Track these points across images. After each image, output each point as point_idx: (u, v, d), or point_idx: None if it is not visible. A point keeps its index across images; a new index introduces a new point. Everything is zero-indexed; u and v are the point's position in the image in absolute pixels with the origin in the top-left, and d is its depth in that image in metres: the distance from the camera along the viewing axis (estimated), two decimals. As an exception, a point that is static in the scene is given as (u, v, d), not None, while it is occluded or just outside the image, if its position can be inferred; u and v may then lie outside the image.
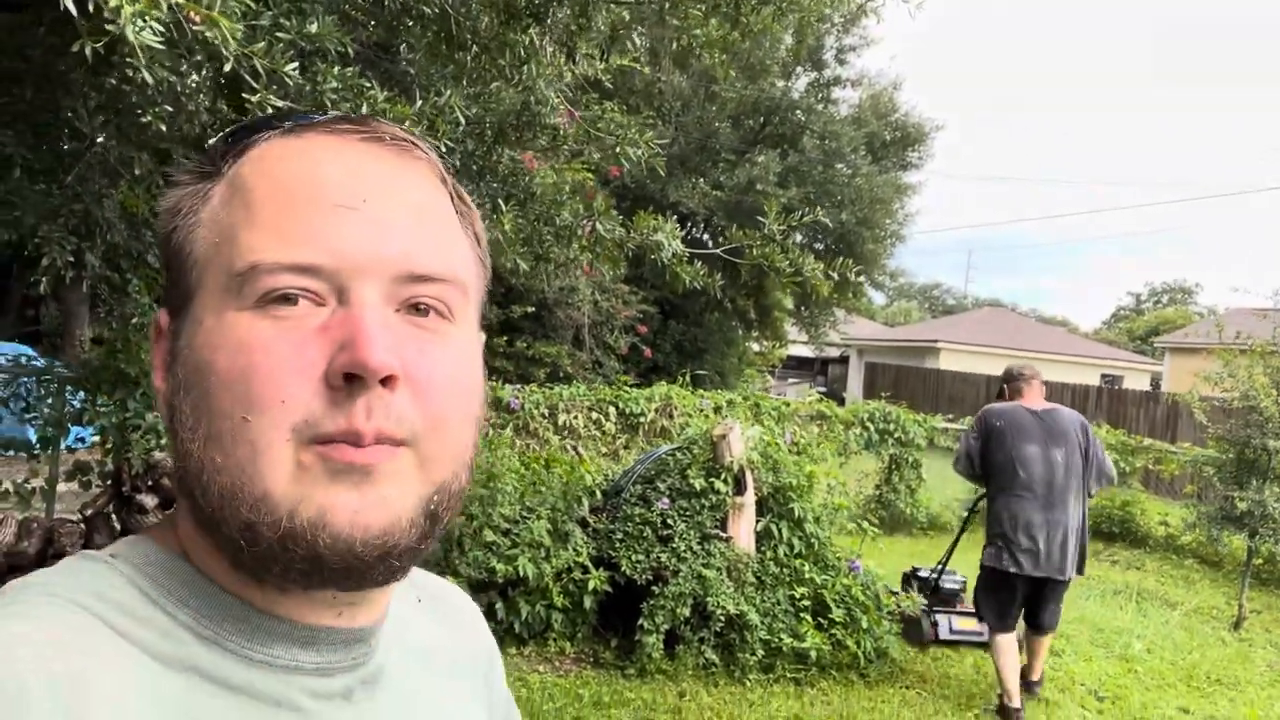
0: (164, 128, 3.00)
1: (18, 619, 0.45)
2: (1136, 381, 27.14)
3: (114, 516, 4.50)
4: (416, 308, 0.50)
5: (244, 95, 2.91)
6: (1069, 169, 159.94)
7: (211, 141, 0.56)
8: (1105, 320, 62.07)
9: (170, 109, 3.02)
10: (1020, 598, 4.40)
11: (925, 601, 5.49)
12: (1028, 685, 4.63)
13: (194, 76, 3.06)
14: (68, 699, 0.42)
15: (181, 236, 0.52)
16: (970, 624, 5.25)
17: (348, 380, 0.46)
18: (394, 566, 0.49)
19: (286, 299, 0.47)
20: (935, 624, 5.40)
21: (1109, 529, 9.71)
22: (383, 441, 0.47)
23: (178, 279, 0.52)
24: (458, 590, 0.75)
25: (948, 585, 5.62)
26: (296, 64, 2.92)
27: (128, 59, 2.57)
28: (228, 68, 2.92)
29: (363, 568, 0.47)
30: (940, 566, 5.67)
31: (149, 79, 2.63)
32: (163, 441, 4.87)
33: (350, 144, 0.51)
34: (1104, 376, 26.80)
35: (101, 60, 2.87)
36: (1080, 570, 4.39)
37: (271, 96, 2.86)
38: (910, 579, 5.88)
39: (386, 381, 0.47)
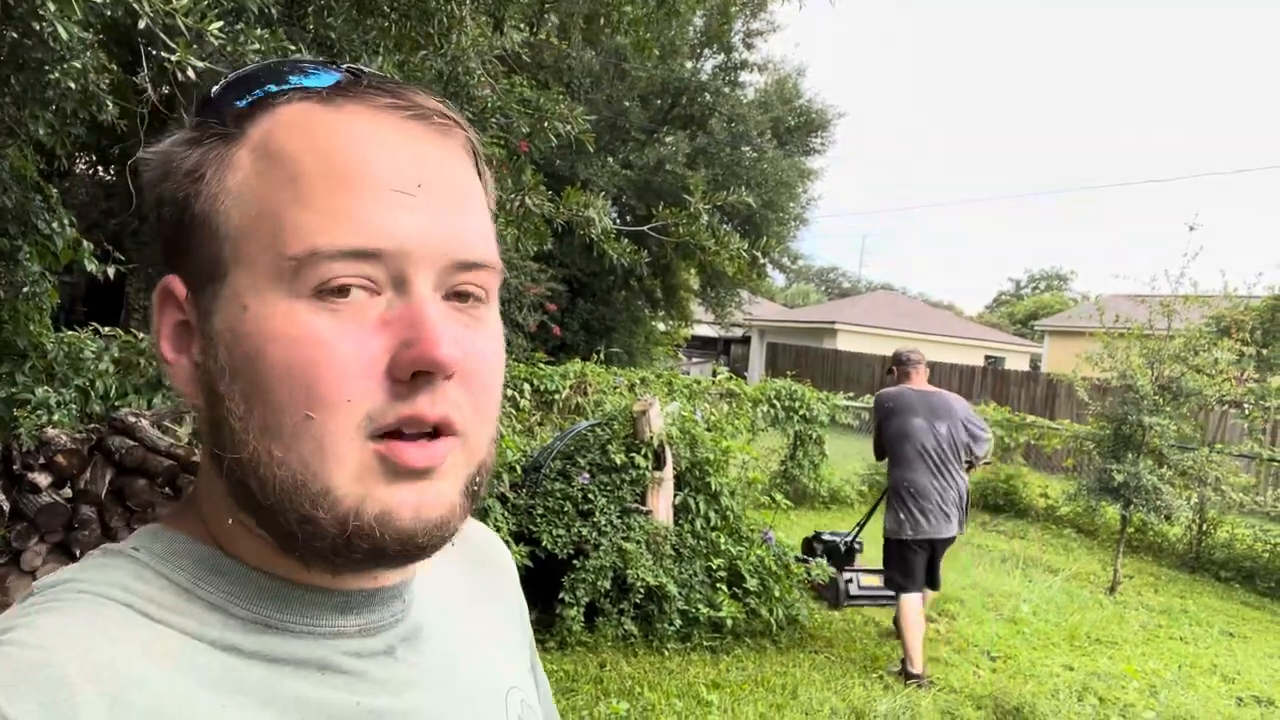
0: (73, 85, 2.85)
1: (52, 613, 0.45)
2: (1017, 362, 28.58)
3: (3, 496, 4.25)
4: (460, 294, 0.50)
5: (163, 55, 2.78)
6: (955, 158, 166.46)
7: (215, 92, 0.51)
8: (988, 304, 65.02)
9: (79, 65, 2.86)
10: (924, 558, 4.83)
11: (832, 567, 5.83)
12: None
13: (88, 35, 2.89)
14: (111, 686, 0.42)
15: (205, 204, 0.48)
16: (875, 580, 5.65)
17: (413, 375, 0.46)
18: (441, 544, 0.50)
19: (343, 290, 0.46)
20: (848, 583, 5.81)
21: (995, 501, 10.28)
22: (444, 430, 0.48)
23: (199, 248, 0.49)
24: (493, 536, 0.76)
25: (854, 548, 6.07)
26: (220, 24, 2.81)
27: (39, 11, 2.43)
28: (142, 24, 2.79)
29: (419, 553, 0.49)
30: (856, 533, 6.16)
31: (63, 34, 2.49)
32: (54, 417, 4.62)
33: (398, 122, 0.49)
34: (987, 358, 28.12)
35: (4, 12, 2.69)
36: (960, 529, 4.93)
37: (190, 56, 2.75)
38: (813, 544, 6.19)
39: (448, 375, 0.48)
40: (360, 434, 0.46)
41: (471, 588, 0.68)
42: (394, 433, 0.47)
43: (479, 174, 0.54)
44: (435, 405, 0.47)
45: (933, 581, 4.94)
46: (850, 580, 5.80)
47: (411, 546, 0.48)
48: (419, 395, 0.47)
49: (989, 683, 4.74)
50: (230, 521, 0.50)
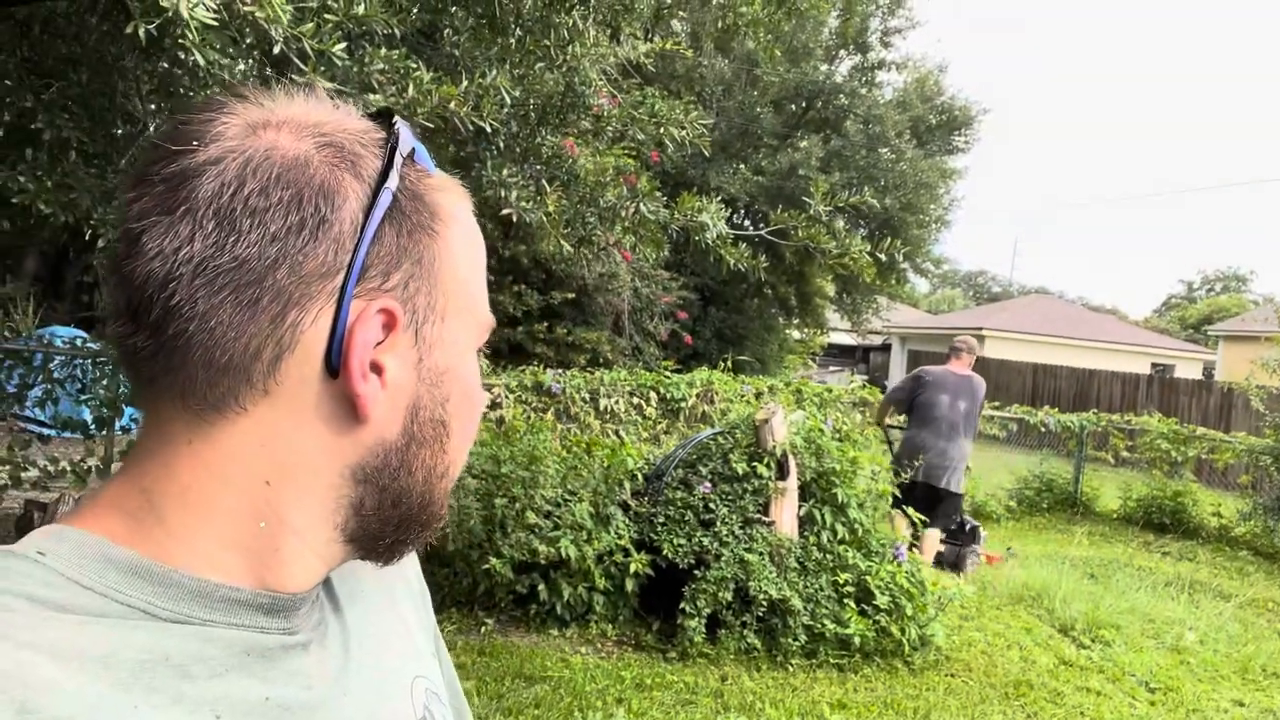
0: (214, 110, 3.05)
1: None
2: (1188, 370, 26.47)
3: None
4: None
5: (293, 78, 2.93)
6: (1117, 154, 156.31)
7: (415, 149, 0.55)
8: (1156, 308, 60.72)
9: (219, 91, 3.06)
10: (927, 500, 6.36)
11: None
12: None
13: (240, 65, 3.09)
14: (17, 694, 0.41)
15: (442, 250, 0.55)
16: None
17: None
18: None
19: None
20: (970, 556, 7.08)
21: (1160, 520, 9.50)
22: None
23: (428, 289, 0.54)
24: None
25: None
26: (344, 45, 2.94)
27: (180, 41, 2.61)
28: (277, 49, 2.95)
29: None
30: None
31: (201, 60, 2.67)
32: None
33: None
34: (1154, 365, 26.19)
35: (153, 43, 2.91)
36: (961, 486, 6.74)
37: (319, 78, 2.89)
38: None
39: None
40: None
41: (377, 575, 0.67)
42: None
43: None
44: None
45: (935, 522, 6.41)
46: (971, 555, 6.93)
47: None
48: None
49: (1145, 716, 4.36)
50: (319, 539, 0.53)
